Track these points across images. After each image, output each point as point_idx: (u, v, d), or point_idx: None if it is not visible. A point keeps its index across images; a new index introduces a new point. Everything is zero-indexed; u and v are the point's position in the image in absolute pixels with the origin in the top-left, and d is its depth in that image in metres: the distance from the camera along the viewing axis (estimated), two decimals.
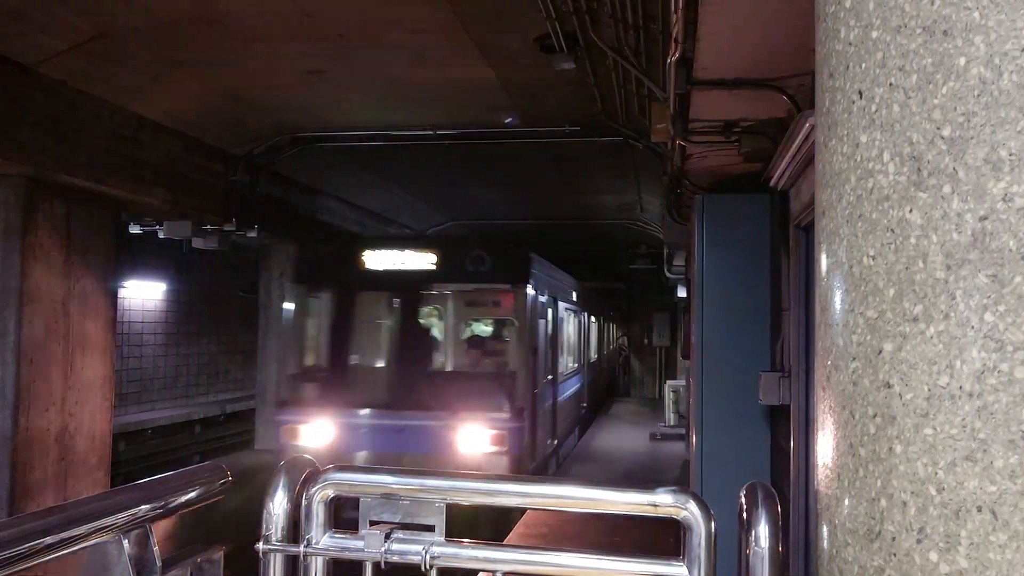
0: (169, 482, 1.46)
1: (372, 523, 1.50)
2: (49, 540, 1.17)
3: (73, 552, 1.21)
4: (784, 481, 5.10)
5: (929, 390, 1.02)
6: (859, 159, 1.13)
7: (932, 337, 1.02)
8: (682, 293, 14.59)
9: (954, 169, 1.01)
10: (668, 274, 13.91)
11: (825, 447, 1.23)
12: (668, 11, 4.22)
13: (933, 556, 1.00)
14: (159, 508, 1.35)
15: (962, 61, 1.01)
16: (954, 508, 0.99)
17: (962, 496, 0.98)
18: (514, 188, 14.52)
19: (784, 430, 5.19)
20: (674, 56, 3.91)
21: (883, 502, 1.07)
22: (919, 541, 1.02)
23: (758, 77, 3.98)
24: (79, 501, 1.27)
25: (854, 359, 1.13)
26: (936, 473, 1.00)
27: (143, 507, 1.32)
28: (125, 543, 1.27)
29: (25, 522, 1.18)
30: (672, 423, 18.12)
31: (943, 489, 1.00)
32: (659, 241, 14.64)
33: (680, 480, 11.78)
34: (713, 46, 3.61)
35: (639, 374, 29.97)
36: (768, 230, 5.85)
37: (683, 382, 15.86)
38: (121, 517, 1.29)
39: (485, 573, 1.53)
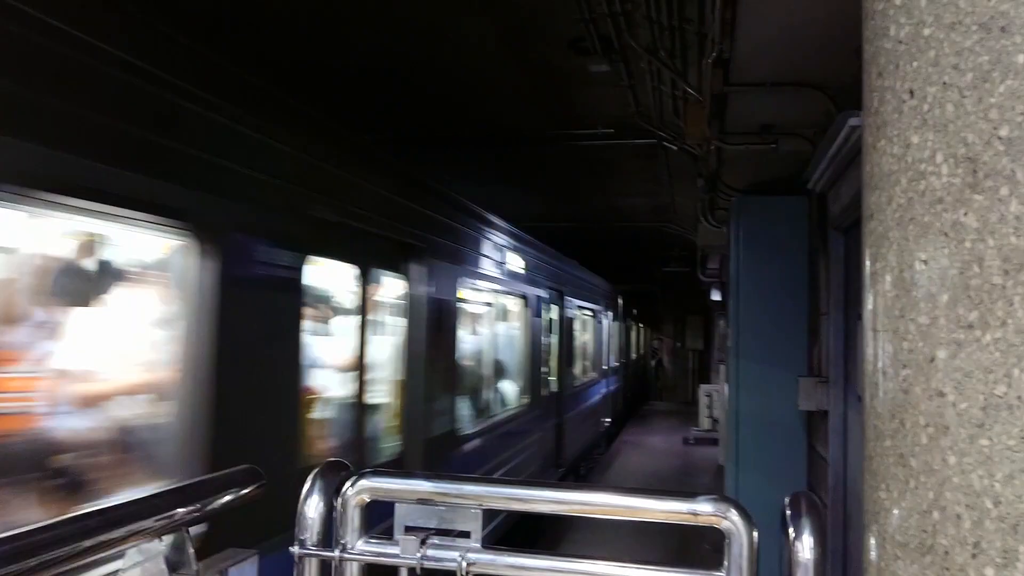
0: (205, 485, 1.46)
1: (407, 528, 1.49)
2: (88, 543, 1.18)
3: (111, 555, 1.21)
4: (821, 488, 5.02)
5: (985, 399, 0.98)
6: (910, 160, 1.10)
7: (988, 344, 0.98)
8: (716, 296, 14.49)
9: (1012, 170, 0.97)
10: (702, 277, 13.82)
11: (873, 456, 1.20)
12: (705, 12, 4.17)
13: (990, 572, 0.96)
14: (195, 511, 1.35)
15: (1021, 58, 0.97)
16: (1012, 522, 0.95)
17: (1021, 510, 0.94)
18: (546, 190, 14.49)
19: (821, 436, 5.12)
20: (711, 57, 3.88)
21: (936, 515, 1.03)
22: (974, 556, 0.98)
23: (796, 77, 3.94)
24: (117, 505, 1.27)
25: (905, 366, 1.10)
26: (993, 486, 0.97)
27: (179, 511, 1.32)
28: (162, 546, 1.27)
29: (64, 525, 1.18)
30: (706, 427, 18.01)
31: (1000, 502, 0.96)
32: (692, 244, 14.54)
33: (714, 486, 11.69)
34: (750, 46, 3.57)
35: (672, 377, 29.82)
36: (805, 233, 5.79)
37: (717, 386, 15.73)
38: (158, 520, 1.29)
39: None
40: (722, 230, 7.84)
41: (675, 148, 9.18)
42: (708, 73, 4.17)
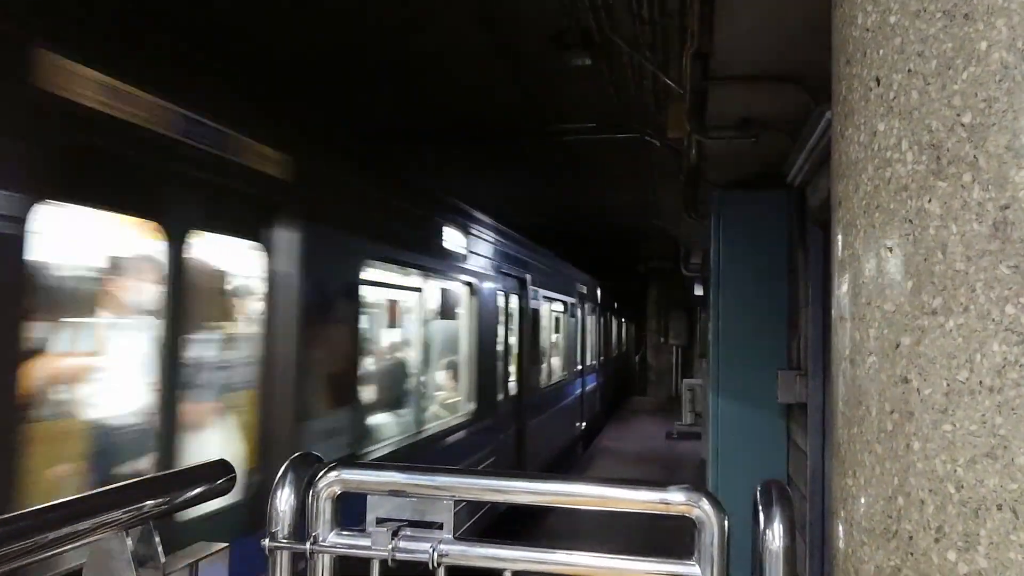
0: (174, 478, 1.45)
1: (379, 520, 1.48)
2: (52, 535, 1.16)
3: (75, 548, 1.20)
4: (801, 479, 5.05)
5: (948, 385, 0.98)
6: (876, 148, 1.10)
7: (951, 330, 0.99)
8: (699, 291, 14.55)
9: (975, 157, 0.98)
10: (685, 272, 13.88)
11: (841, 444, 1.20)
12: (684, 4, 4.18)
13: (952, 556, 0.97)
14: (163, 504, 1.34)
15: (983, 45, 0.98)
16: (973, 507, 0.95)
17: (982, 494, 0.95)
18: (532, 185, 14.49)
19: (800, 428, 5.15)
20: (690, 50, 3.88)
21: (900, 500, 1.04)
22: (937, 540, 0.99)
23: (775, 71, 3.94)
24: (83, 497, 1.26)
25: (871, 354, 1.10)
26: (955, 470, 0.97)
27: (147, 503, 1.30)
28: (128, 540, 1.26)
29: (27, 518, 1.17)
30: (689, 422, 18.07)
31: (962, 487, 0.97)
32: (676, 239, 14.58)
33: (696, 479, 11.74)
34: (729, 40, 3.57)
35: (656, 372, 29.88)
36: (785, 227, 5.81)
37: (700, 380, 15.76)
38: (125, 513, 1.27)
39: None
40: (703, 225, 7.86)
41: (657, 143, 9.21)
42: (688, 67, 4.17)
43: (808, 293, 4.98)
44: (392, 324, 7.22)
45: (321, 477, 1.51)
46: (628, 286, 27.71)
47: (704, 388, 12.04)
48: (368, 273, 5.69)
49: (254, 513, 3.79)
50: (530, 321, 11.40)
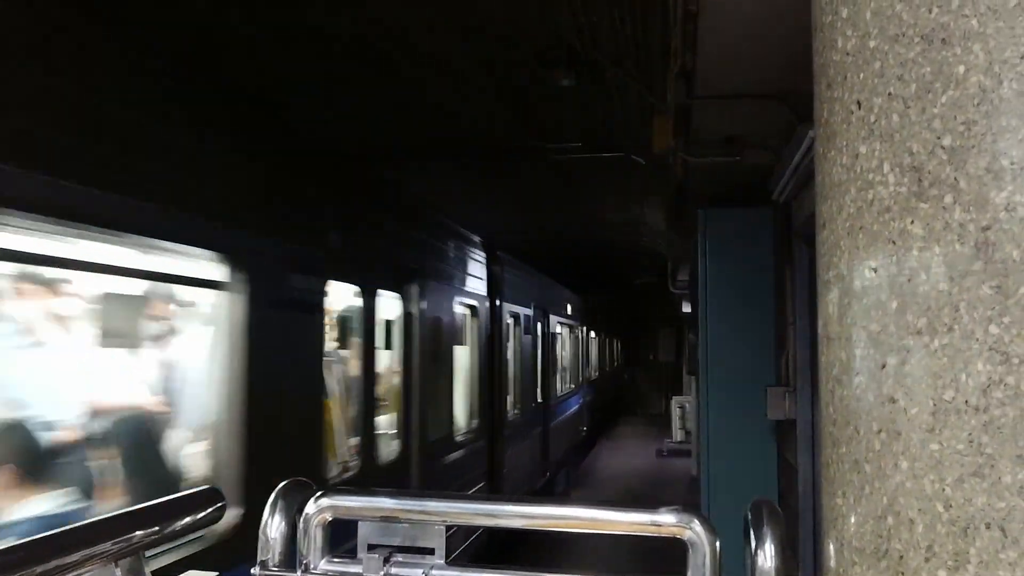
0: (162, 507, 1.44)
1: (371, 546, 1.48)
2: (40, 569, 1.15)
3: None
4: (792, 496, 5.05)
5: (934, 404, 0.99)
6: (859, 170, 1.12)
7: (936, 350, 1.00)
8: (687, 308, 14.58)
9: (955, 179, 0.99)
10: (672, 289, 13.91)
11: (830, 463, 1.21)
12: (668, 25, 4.22)
13: (942, 575, 0.98)
14: (152, 534, 1.33)
15: (961, 69, 0.99)
16: (962, 525, 0.96)
17: (970, 513, 0.96)
18: (519, 203, 14.52)
19: (791, 445, 5.16)
20: (674, 69, 3.91)
21: (890, 519, 1.04)
22: (927, 559, 0.99)
23: (759, 89, 3.98)
24: (71, 529, 1.25)
25: (858, 373, 1.11)
26: (943, 489, 0.98)
27: (136, 533, 1.30)
28: (117, 571, 1.25)
29: (15, 552, 1.16)
30: (679, 439, 18.08)
31: (951, 506, 0.97)
32: (664, 256, 14.62)
33: (687, 497, 11.72)
34: (712, 59, 3.60)
35: (645, 390, 29.88)
36: (771, 243, 5.84)
37: (689, 398, 15.75)
38: (115, 544, 1.27)
39: None
40: (690, 241, 7.89)
41: (643, 160, 9.25)
42: (672, 85, 4.21)
43: (795, 309, 5.01)
44: None
45: (312, 504, 1.50)
46: (616, 303, 27.75)
47: (694, 405, 12.01)
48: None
49: None
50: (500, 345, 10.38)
